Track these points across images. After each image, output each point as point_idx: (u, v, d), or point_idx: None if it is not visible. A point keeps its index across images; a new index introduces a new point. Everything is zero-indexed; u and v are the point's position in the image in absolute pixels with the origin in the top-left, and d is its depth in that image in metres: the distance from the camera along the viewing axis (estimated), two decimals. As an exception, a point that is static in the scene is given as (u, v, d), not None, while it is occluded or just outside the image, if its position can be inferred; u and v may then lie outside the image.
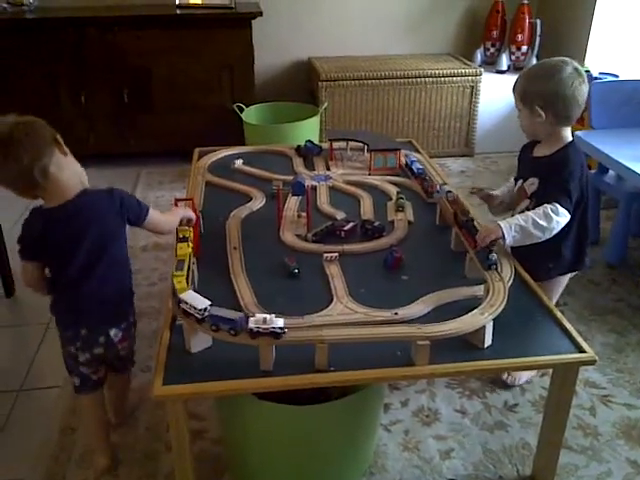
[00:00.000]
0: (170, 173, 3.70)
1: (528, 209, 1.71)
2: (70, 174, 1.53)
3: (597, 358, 1.41)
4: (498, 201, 1.95)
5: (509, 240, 1.61)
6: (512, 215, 1.81)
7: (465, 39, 4.30)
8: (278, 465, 1.54)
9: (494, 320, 1.43)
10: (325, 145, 2.65)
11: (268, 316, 1.33)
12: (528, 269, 1.70)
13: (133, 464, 1.71)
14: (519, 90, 1.77)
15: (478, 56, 4.17)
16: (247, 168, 2.46)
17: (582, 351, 1.41)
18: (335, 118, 3.81)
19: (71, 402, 1.92)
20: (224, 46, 3.59)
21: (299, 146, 2.64)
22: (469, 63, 3.97)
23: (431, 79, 3.79)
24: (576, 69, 1.69)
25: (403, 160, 2.40)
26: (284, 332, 1.32)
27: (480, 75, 3.83)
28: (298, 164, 2.52)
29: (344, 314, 1.52)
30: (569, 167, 1.68)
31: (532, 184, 1.76)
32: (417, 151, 2.66)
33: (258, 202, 2.16)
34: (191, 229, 1.71)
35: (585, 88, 1.69)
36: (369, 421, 1.59)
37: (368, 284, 1.68)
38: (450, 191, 1.95)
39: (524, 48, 4.01)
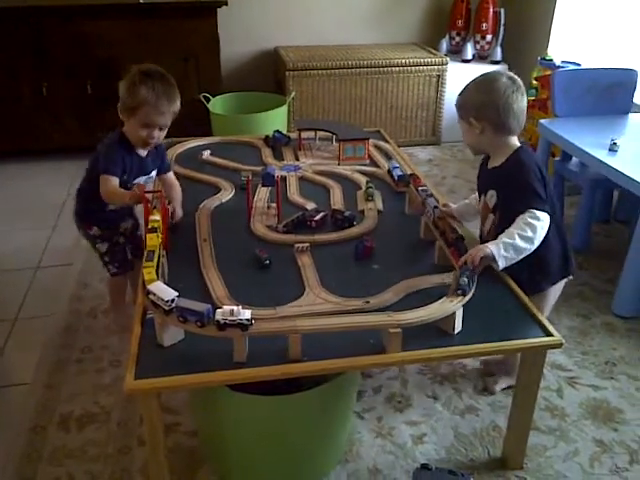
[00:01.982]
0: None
1: (495, 225, 1.67)
2: None
3: (564, 341, 1.45)
4: (455, 214, 1.88)
5: (501, 263, 1.54)
6: (480, 235, 1.80)
7: (430, 28, 4.33)
8: (254, 455, 1.54)
9: (464, 307, 1.46)
10: (293, 135, 2.64)
11: (235, 308, 1.33)
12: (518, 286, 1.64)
13: (107, 459, 1.69)
14: (456, 105, 1.73)
15: (444, 45, 4.20)
16: (215, 159, 2.44)
17: (549, 335, 1.45)
18: (303, 108, 3.80)
19: (41, 399, 1.89)
20: (189, 36, 3.55)
21: (267, 136, 2.63)
22: (435, 52, 4.00)
23: (398, 68, 3.81)
24: (510, 78, 1.64)
25: (387, 166, 2.30)
26: (251, 324, 1.32)
27: (446, 64, 3.87)
28: (267, 154, 2.51)
29: (316, 304, 1.52)
30: (524, 168, 1.61)
31: (491, 197, 1.70)
32: (385, 140, 2.68)
33: (227, 193, 2.15)
34: (160, 221, 1.69)
35: (521, 97, 1.63)
36: (343, 409, 1.60)
37: (340, 274, 1.68)
38: (437, 207, 1.81)
39: (489, 37, 4.05)
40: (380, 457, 1.70)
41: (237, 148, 2.59)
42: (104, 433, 1.78)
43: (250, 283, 1.65)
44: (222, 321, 1.32)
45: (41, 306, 2.38)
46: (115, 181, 1.84)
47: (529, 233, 1.54)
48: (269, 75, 4.15)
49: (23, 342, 2.19)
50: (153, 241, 1.58)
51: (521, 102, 1.63)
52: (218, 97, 3.68)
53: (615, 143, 2.38)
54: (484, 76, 1.69)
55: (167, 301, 1.35)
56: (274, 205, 2.01)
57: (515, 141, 1.69)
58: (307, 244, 1.78)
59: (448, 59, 3.89)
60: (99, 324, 2.25)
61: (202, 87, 3.64)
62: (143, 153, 1.96)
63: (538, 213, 1.56)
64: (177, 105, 1.89)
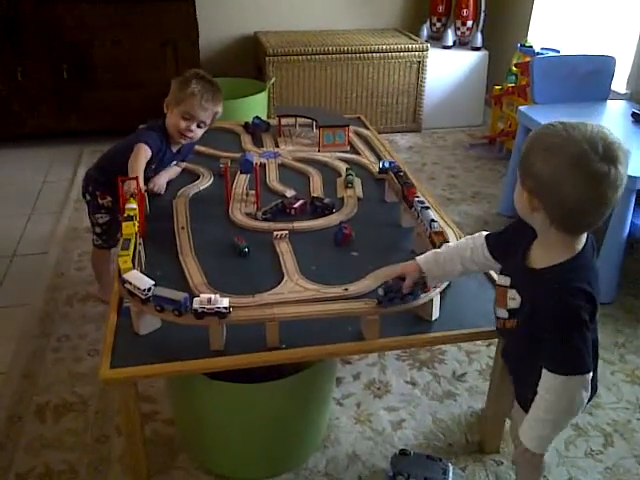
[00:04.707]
0: (115, 151, 3.59)
1: (505, 323, 1.28)
2: None
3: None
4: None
5: (538, 446, 1.20)
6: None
7: (411, 14, 4.31)
8: (232, 443, 1.54)
9: (441, 294, 1.46)
10: (273, 122, 2.62)
11: (213, 296, 1.32)
12: (516, 394, 1.37)
13: (84, 449, 1.67)
14: (520, 153, 1.17)
15: (424, 31, 4.19)
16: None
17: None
18: (283, 94, 3.77)
19: (17, 388, 1.87)
20: (167, 20, 3.50)
21: (247, 123, 2.61)
22: (415, 38, 3.98)
23: (378, 54, 3.79)
24: (607, 158, 1.04)
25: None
26: (229, 312, 1.32)
27: (427, 50, 3.85)
28: (246, 141, 2.49)
29: (295, 292, 1.52)
30: (572, 312, 1.11)
31: (514, 299, 1.23)
32: (365, 127, 2.67)
33: (206, 181, 2.13)
34: (137, 209, 1.67)
35: (612, 190, 1.06)
36: (322, 396, 1.60)
37: (318, 261, 1.68)
38: (434, 220, 1.63)
39: (469, 23, 4.04)
40: (359, 443, 1.71)
41: (216, 134, 2.55)
42: (82, 422, 1.76)
43: (228, 271, 1.64)
44: (200, 310, 1.31)
45: (17, 295, 2.34)
46: (148, 153, 1.92)
47: (557, 406, 1.15)
48: (249, 60, 4.11)
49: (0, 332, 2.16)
50: (129, 229, 1.56)
51: (611, 197, 1.07)
52: (197, 83, 3.63)
53: (593, 130, 2.39)
54: (566, 136, 1.06)
55: (144, 290, 1.34)
56: (253, 192, 2.00)
57: (578, 244, 1.16)
58: (286, 232, 1.77)
59: (429, 45, 3.88)
60: (76, 313, 2.23)
61: (180, 72, 3.53)
62: (174, 149, 2.08)
63: (571, 380, 1.12)
64: (219, 109, 2.06)
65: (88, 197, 2.14)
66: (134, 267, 1.42)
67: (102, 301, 2.26)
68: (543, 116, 2.64)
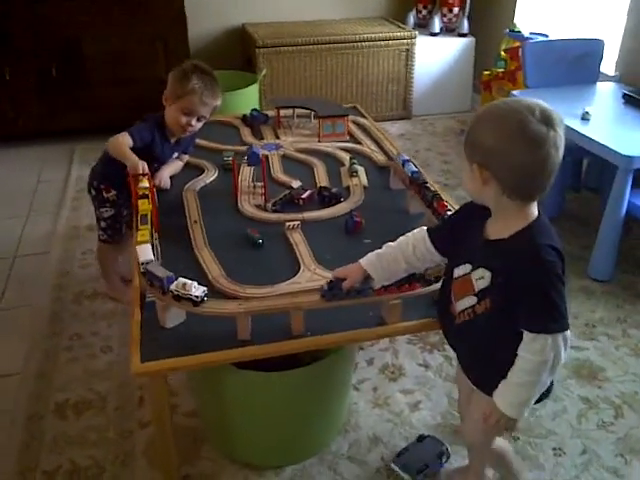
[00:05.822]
0: (107, 149, 3.58)
1: (474, 309, 1.24)
2: None
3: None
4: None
5: (518, 413, 1.22)
6: (441, 311, 1.38)
7: (397, 2, 4.32)
8: (258, 431, 1.57)
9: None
10: (271, 113, 2.63)
11: (189, 282, 1.36)
12: (476, 379, 1.33)
13: (108, 444, 1.69)
14: (465, 136, 1.21)
15: (411, 19, 4.21)
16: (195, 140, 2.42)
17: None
18: (274, 85, 3.78)
19: (34, 388, 1.88)
20: (156, 15, 3.49)
21: (245, 115, 2.62)
22: (403, 26, 4.01)
23: (368, 43, 3.81)
24: (545, 120, 1.10)
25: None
26: (202, 300, 1.35)
27: (415, 38, 3.88)
28: (246, 134, 2.50)
29: (313, 280, 1.53)
30: (545, 267, 1.13)
31: (481, 277, 1.21)
32: (362, 116, 2.69)
33: (211, 174, 2.14)
34: (148, 187, 1.74)
35: (555, 150, 1.12)
36: (344, 381, 1.64)
37: (332, 250, 1.70)
38: None
39: (455, 10, 4.07)
40: (379, 426, 1.75)
41: (215, 128, 2.56)
42: (102, 418, 1.78)
43: (244, 262, 1.65)
44: (175, 292, 1.35)
45: (23, 296, 2.34)
46: (129, 141, 1.95)
47: (543, 366, 1.16)
48: (237, 53, 4.10)
49: (7, 332, 2.16)
50: (145, 206, 1.64)
51: (554, 157, 1.11)
52: (188, 76, 3.62)
53: (587, 112, 2.44)
54: (506, 107, 1.14)
55: (142, 263, 1.41)
56: (259, 184, 2.01)
57: (533, 209, 1.19)
58: (298, 222, 1.80)
59: (417, 33, 3.90)
60: (85, 311, 2.23)
61: (170, 67, 3.50)
62: (172, 140, 2.09)
63: (554, 338, 1.14)
64: (219, 102, 2.07)
65: (93, 192, 2.14)
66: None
67: (110, 298, 2.26)
68: (536, 100, 2.69)
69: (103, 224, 2.19)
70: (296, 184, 2.05)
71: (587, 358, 2.00)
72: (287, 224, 1.79)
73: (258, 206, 1.92)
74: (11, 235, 2.76)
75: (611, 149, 2.20)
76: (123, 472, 1.61)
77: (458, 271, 1.27)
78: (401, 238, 1.41)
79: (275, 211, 1.89)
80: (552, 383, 1.27)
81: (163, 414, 1.39)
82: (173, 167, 2.15)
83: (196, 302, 1.34)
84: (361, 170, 2.13)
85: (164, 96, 2.04)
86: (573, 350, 2.03)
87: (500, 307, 1.20)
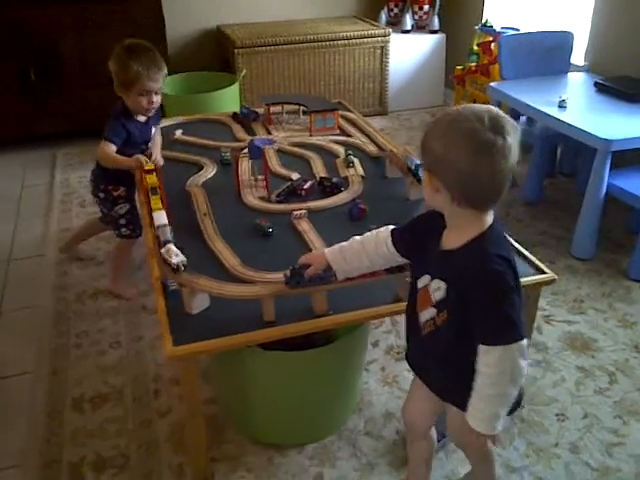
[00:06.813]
0: (91, 152, 3.47)
1: (435, 320, 1.21)
2: None
3: (556, 277, 1.61)
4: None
5: (498, 427, 1.17)
6: (409, 323, 1.31)
7: (368, 1, 4.41)
8: (281, 411, 1.62)
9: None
10: (260, 110, 2.69)
11: (174, 249, 1.49)
12: (440, 390, 1.31)
13: (130, 434, 1.73)
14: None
15: (383, 17, 4.31)
16: (190, 138, 2.47)
17: (543, 272, 1.60)
18: (253, 84, 3.83)
19: (49, 385, 1.90)
20: (134, 17, 3.49)
21: (235, 113, 2.67)
22: (377, 24, 4.10)
23: (343, 42, 3.89)
24: (494, 128, 1.07)
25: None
26: (180, 269, 1.46)
27: (388, 35, 3.98)
28: (238, 131, 2.55)
29: (328, 264, 1.60)
30: (496, 279, 1.10)
31: (438, 289, 1.18)
32: (349, 111, 2.77)
33: (210, 170, 2.19)
34: (153, 165, 1.93)
35: (504, 159, 1.07)
36: (359, 360, 1.71)
37: (341, 236, 1.73)
38: None
39: (426, 7, 4.19)
40: (390, 402, 1.82)
41: (207, 126, 2.62)
42: (120, 410, 1.81)
43: (257, 251, 1.70)
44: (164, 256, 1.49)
45: (24, 297, 2.34)
46: (112, 148, 2.03)
47: (501, 377, 1.12)
48: (212, 54, 4.14)
49: (12, 334, 2.16)
50: (153, 179, 1.78)
51: (502, 166, 1.07)
52: (167, 78, 3.62)
53: (564, 100, 2.57)
54: (456, 115, 1.10)
55: (158, 226, 1.58)
56: (260, 177, 2.07)
57: (487, 218, 1.16)
58: (305, 211, 1.86)
59: (390, 30, 4.01)
60: (89, 309, 2.25)
61: (150, 69, 3.58)
62: (142, 119, 2.13)
63: (507, 349, 1.10)
64: (164, 67, 2.10)
65: (102, 195, 2.17)
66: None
67: (114, 296, 2.29)
68: (514, 91, 2.82)
69: (123, 221, 2.23)
70: (295, 176, 2.11)
71: (578, 331, 2.12)
72: (294, 213, 1.85)
73: (262, 198, 1.98)
74: (2, 240, 2.75)
75: (590, 133, 2.33)
76: (149, 459, 1.65)
77: (420, 282, 1.25)
78: (367, 234, 1.39)
79: (280, 202, 1.95)
80: (520, 394, 1.20)
81: (194, 396, 1.44)
82: (158, 143, 2.25)
83: (175, 269, 1.45)
84: (356, 161, 2.21)
85: (115, 88, 2.07)
86: (565, 324, 2.15)
87: (456, 319, 1.17)
